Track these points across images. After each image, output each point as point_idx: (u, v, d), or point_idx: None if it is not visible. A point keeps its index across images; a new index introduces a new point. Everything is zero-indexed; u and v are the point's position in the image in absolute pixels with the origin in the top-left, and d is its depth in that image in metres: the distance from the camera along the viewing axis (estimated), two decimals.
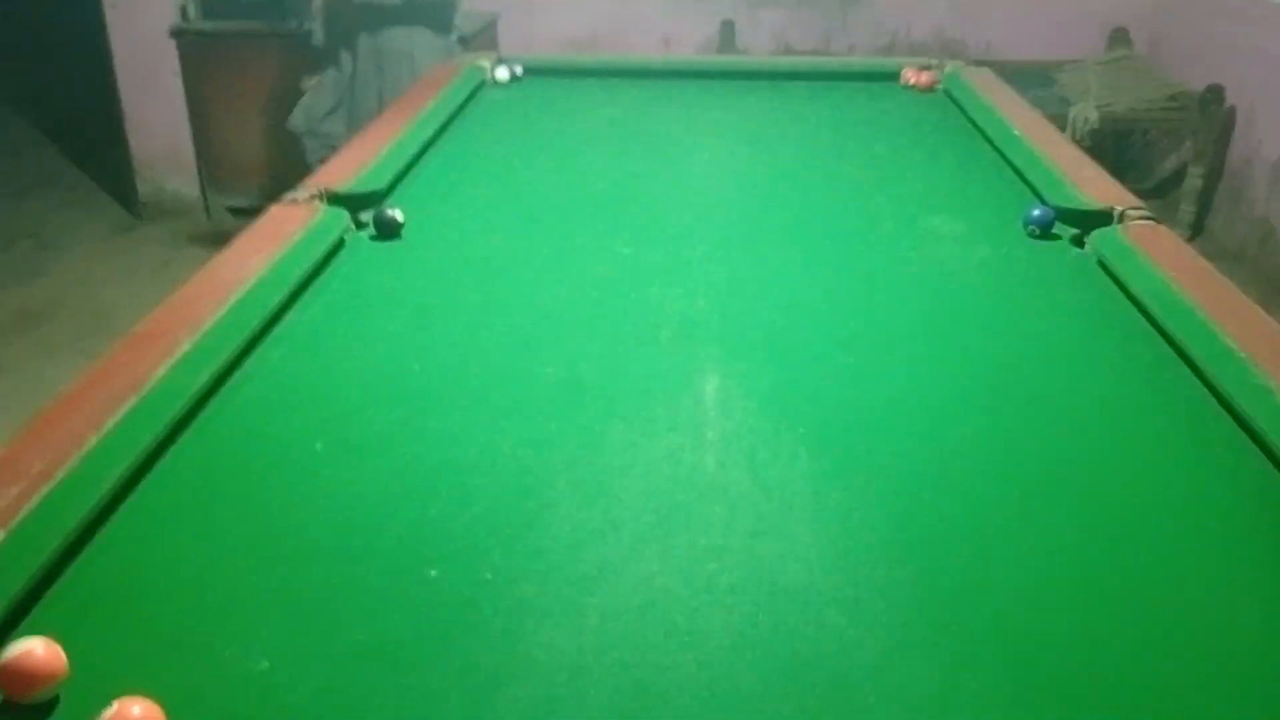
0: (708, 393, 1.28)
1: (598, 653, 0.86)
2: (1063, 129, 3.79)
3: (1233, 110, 4.01)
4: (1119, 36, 4.42)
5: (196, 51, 4.16)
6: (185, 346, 1.24)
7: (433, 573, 0.94)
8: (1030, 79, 4.22)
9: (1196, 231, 4.18)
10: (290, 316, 1.41)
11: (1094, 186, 1.79)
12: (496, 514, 1.03)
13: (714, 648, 0.87)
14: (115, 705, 0.73)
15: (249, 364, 1.29)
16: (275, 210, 1.68)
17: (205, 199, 4.45)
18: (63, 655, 0.79)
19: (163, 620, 0.89)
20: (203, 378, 1.19)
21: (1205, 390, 1.23)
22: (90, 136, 4.92)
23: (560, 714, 0.80)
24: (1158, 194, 4.43)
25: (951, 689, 0.83)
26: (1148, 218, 1.66)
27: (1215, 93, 3.91)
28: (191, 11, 4.15)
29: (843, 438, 1.17)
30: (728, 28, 4.51)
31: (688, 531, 1.01)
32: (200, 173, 4.42)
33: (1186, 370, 1.28)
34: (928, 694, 0.82)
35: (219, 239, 1.60)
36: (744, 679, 0.83)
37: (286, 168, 3.17)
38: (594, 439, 1.17)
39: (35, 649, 0.77)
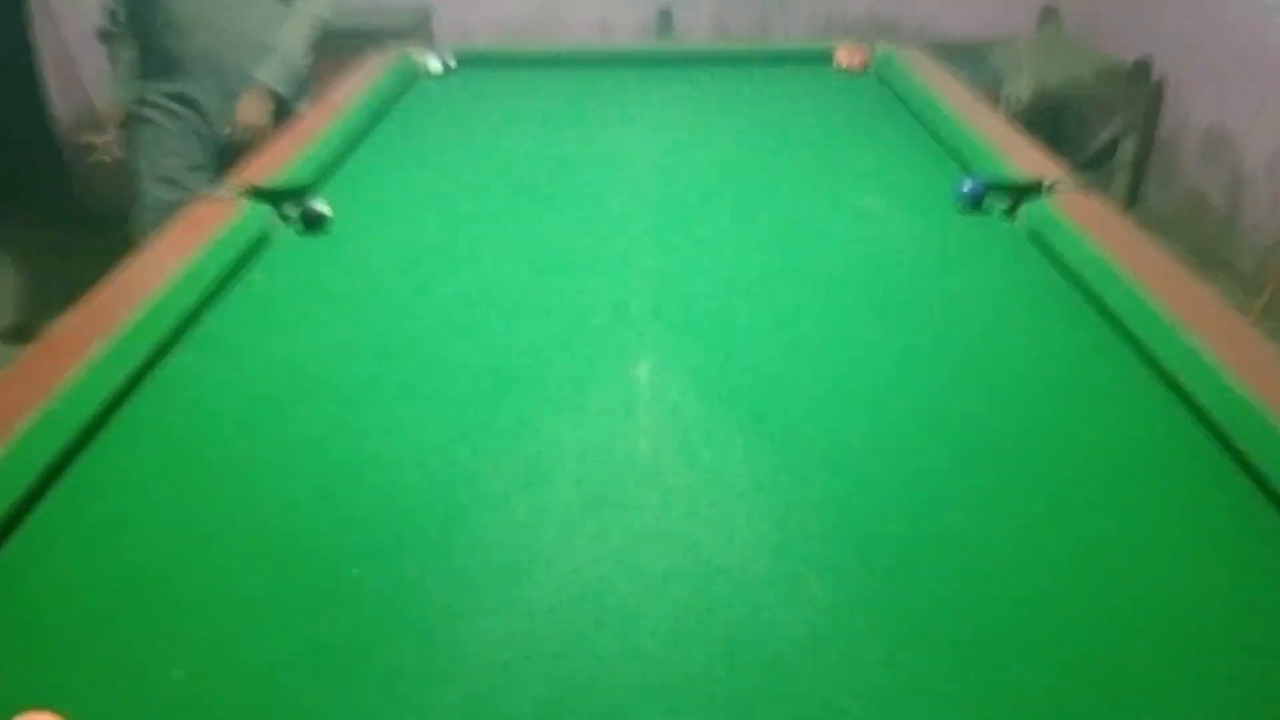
0: (641, 377, 1.26)
1: (528, 646, 0.84)
2: (996, 107, 3.83)
3: (1161, 82, 4.07)
4: (1049, 14, 4.47)
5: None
6: (98, 350, 1.20)
7: (354, 571, 0.91)
8: (963, 58, 4.25)
9: (1131, 202, 4.24)
10: (211, 314, 1.37)
11: (1024, 159, 1.80)
12: (424, 509, 1.00)
13: (647, 634, 0.85)
14: None
15: (167, 365, 1.25)
16: (195, 207, 1.64)
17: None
18: None
19: (74, 632, 0.85)
20: (116, 380, 1.15)
21: (1136, 354, 1.24)
22: (21, 145, 4.76)
23: (491, 711, 0.78)
24: (1093, 167, 4.49)
25: (887, 665, 0.82)
26: (1077, 188, 1.67)
27: (1143, 66, 3.97)
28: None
29: (778, 417, 1.16)
30: (665, 13, 4.49)
31: (620, 518, 0.99)
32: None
33: (1117, 335, 1.28)
34: (863, 670, 0.81)
35: None
36: (677, 664, 0.82)
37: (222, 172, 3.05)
38: (525, 428, 1.14)
39: None
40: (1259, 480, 1.00)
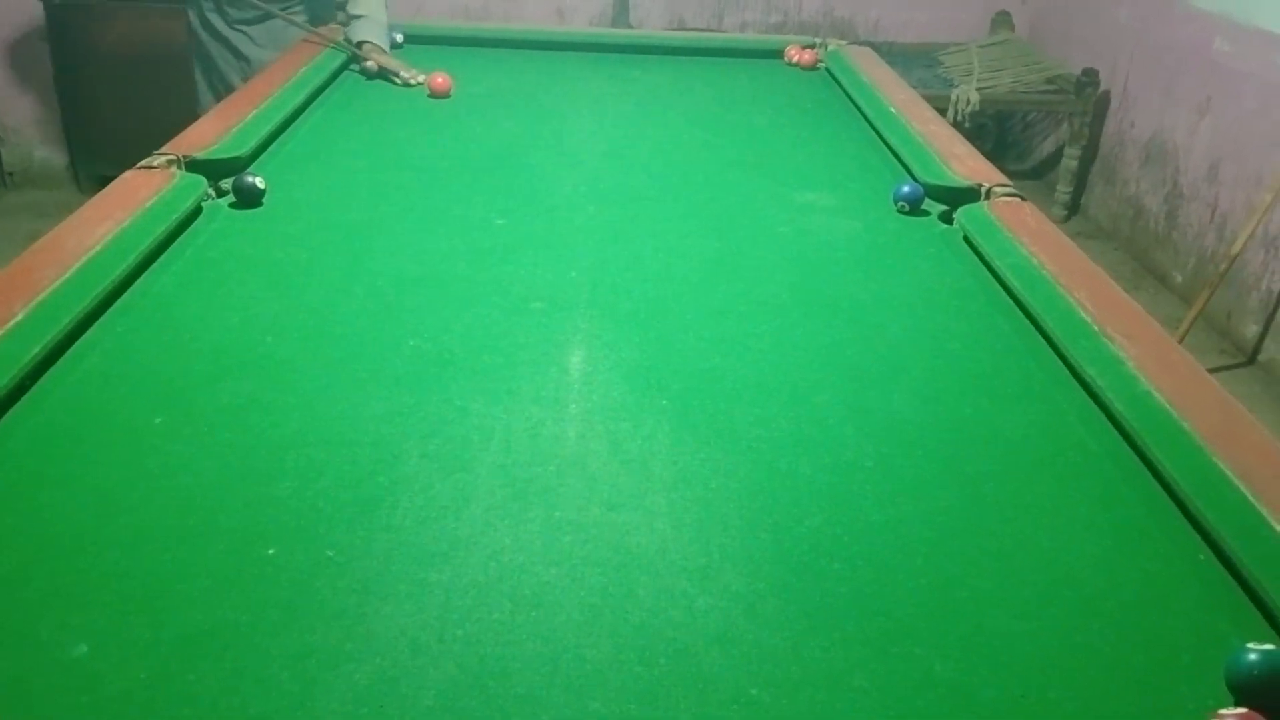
0: (574, 365, 1.26)
1: (441, 629, 0.84)
2: (945, 110, 3.87)
3: (1107, 93, 4.15)
4: (1001, 20, 4.53)
5: (64, 15, 3.95)
6: (19, 317, 1.17)
7: (270, 551, 0.90)
8: (916, 60, 4.31)
9: (1073, 211, 4.32)
10: (138, 286, 1.34)
11: (964, 164, 1.83)
12: (345, 490, 1.00)
13: (562, 621, 0.85)
14: None
15: (90, 335, 1.22)
16: (128, 176, 1.60)
17: (75, 168, 4.24)
18: None
19: None
20: (35, 349, 1.13)
21: (1058, 359, 1.26)
22: None
23: (398, 693, 0.78)
24: (1037, 175, 4.57)
25: (796, 652, 0.83)
26: (1013, 194, 1.70)
27: (1090, 76, 4.04)
28: None
29: (705, 409, 1.17)
30: (621, 2, 4.47)
31: (543, 505, 1.00)
32: (69, 140, 4.21)
33: (1042, 340, 1.31)
34: (773, 660, 0.82)
35: None
36: (589, 651, 0.82)
37: (161, 135, 2.99)
38: (453, 412, 1.14)
39: None
40: (1161, 480, 1.03)
